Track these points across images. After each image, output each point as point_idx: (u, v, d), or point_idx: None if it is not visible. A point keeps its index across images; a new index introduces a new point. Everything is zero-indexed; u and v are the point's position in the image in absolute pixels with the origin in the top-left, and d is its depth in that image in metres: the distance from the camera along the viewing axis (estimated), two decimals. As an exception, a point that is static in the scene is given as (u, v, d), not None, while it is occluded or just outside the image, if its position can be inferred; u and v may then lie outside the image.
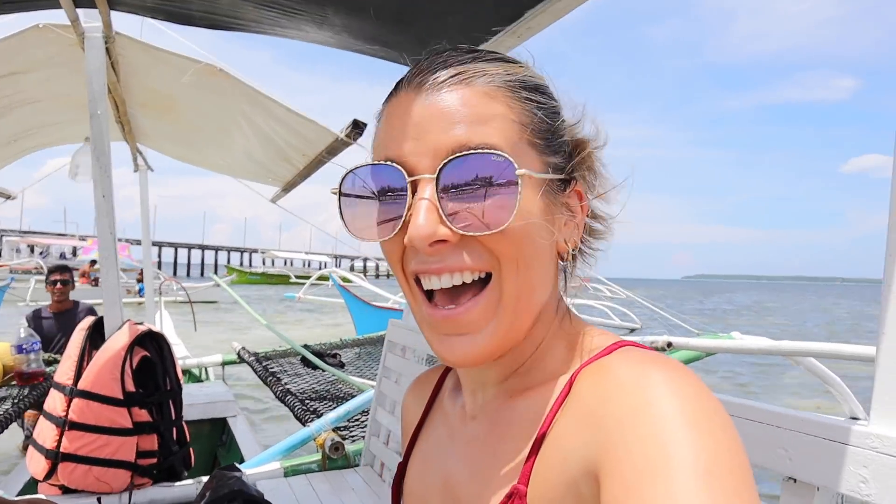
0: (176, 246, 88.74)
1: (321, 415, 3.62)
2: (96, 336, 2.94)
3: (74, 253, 41.06)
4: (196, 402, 4.41)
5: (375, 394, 3.06)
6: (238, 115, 3.87)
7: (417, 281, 0.70)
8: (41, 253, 43.29)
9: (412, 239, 0.64)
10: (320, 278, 16.78)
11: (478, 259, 0.66)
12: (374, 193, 0.69)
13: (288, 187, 5.35)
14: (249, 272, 58.58)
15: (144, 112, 4.31)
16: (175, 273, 71.51)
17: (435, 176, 0.64)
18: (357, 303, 13.49)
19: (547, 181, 0.68)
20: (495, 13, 2.41)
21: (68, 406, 2.61)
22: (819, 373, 3.86)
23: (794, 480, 1.05)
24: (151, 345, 2.85)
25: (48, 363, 4.66)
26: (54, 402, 2.66)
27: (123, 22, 3.07)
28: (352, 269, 56.09)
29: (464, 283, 0.67)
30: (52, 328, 5.82)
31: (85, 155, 5.24)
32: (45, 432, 2.63)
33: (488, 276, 0.67)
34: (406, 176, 0.65)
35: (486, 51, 0.73)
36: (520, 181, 0.63)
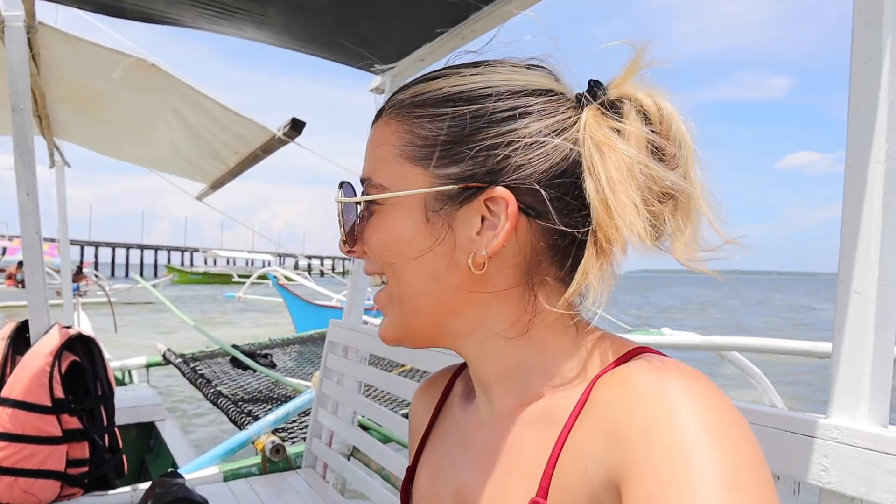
0: (114, 245, 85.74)
1: (257, 417, 3.56)
2: (19, 341, 2.81)
3: (4, 252, 38.66)
4: (121, 406, 4.24)
5: (316, 394, 3.02)
6: (168, 110, 3.74)
7: None
8: None
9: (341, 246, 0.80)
10: (260, 277, 16.55)
11: (372, 266, 0.77)
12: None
13: (216, 185, 5.22)
14: (190, 272, 57.46)
15: (66, 106, 4.12)
16: (113, 273, 68.73)
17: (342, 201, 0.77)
18: (297, 301, 13.42)
19: (429, 195, 0.69)
20: (440, 15, 2.42)
21: (-10, 415, 2.48)
22: (742, 366, 4.06)
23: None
24: (81, 349, 2.73)
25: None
26: (-24, 411, 2.52)
27: (44, 11, 2.93)
28: (296, 267, 55.15)
29: (383, 282, 0.77)
30: None
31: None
32: (-34, 443, 2.48)
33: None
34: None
35: (429, 73, 0.75)
36: (357, 206, 0.76)
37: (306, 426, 3.16)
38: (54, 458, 2.51)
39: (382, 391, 4.19)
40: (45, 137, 4.96)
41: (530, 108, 0.69)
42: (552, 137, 0.68)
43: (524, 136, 0.68)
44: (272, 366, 5.48)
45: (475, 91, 0.69)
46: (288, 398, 4.31)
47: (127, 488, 2.68)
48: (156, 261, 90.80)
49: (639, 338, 3.72)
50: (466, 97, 0.69)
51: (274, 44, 2.97)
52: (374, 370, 2.64)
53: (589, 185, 0.67)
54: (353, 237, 0.77)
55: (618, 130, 0.67)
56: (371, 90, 3.17)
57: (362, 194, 0.75)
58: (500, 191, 0.67)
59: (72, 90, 3.81)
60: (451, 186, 0.68)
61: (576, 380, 0.71)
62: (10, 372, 2.59)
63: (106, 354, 6.18)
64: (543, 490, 0.65)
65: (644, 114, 0.67)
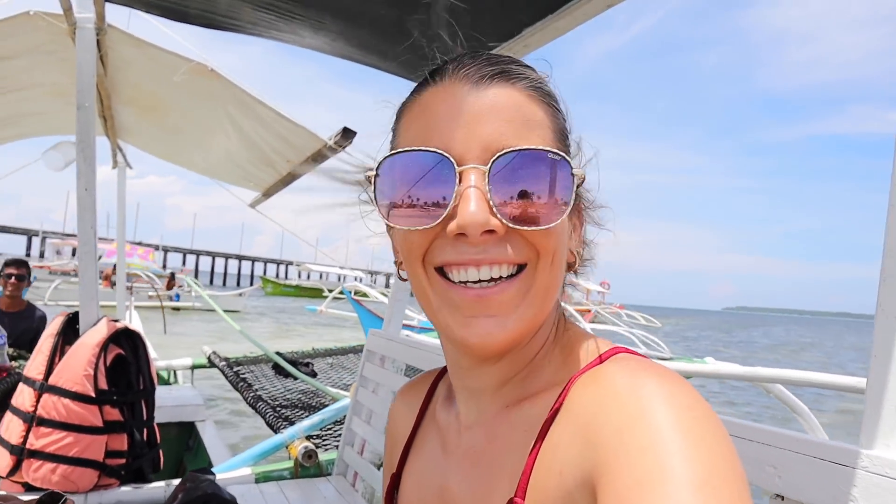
0: (213, 255, 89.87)
1: (293, 422, 3.58)
2: (69, 331, 2.88)
3: (99, 257, 40.87)
4: (164, 405, 4.33)
5: (351, 403, 3.03)
6: (223, 116, 3.84)
7: (440, 272, 0.69)
8: (74, 255, 42.18)
9: (466, 226, 0.63)
10: (341, 292, 17.20)
11: (518, 252, 0.66)
12: (413, 181, 0.67)
13: (269, 193, 5.31)
14: (284, 284, 59.64)
15: (129, 108, 4.26)
16: (211, 282, 72.21)
17: (487, 167, 0.64)
18: (370, 317, 13.65)
19: (582, 177, 0.71)
20: (494, 29, 2.42)
21: (37, 401, 2.55)
22: (787, 400, 3.92)
23: (783, 498, 1.05)
24: (127, 343, 2.79)
25: (13, 358, 4.55)
26: (23, 396, 2.59)
27: (118, 16, 3.05)
28: (387, 285, 56.57)
29: (501, 276, 0.67)
30: None
31: (70, 149, 5.15)
32: (12, 427, 2.55)
33: (519, 269, 0.67)
34: (455, 165, 0.65)
35: (517, 59, 0.73)
36: (574, 181, 0.66)
37: (340, 434, 3.16)
38: (94, 447, 2.56)
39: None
40: (109, 138, 5.14)
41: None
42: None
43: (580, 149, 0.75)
44: (313, 374, 5.52)
45: (558, 97, 0.74)
46: (325, 406, 4.33)
47: (161, 483, 2.72)
48: (252, 271, 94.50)
49: (679, 366, 3.63)
50: (559, 99, 0.73)
51: (330, 52, 3.02)
52: (410, 381, 2.63)
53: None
54: (553, 213, 0.65)
55: None
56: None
57: (566, 168, 0.66)
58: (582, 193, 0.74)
59: (136, 93, 3.94)
60: (578, 183, 0.70)
61: (556, 380, 0.72)
62: (59, 361, 2.66)
63: (153, 353, 6.33)
64: (522, 490, 0.66)
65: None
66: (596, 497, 0.55)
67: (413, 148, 0.67)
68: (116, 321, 2.81)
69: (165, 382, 6.28)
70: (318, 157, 3.75)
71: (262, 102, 3.37)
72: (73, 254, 43.00)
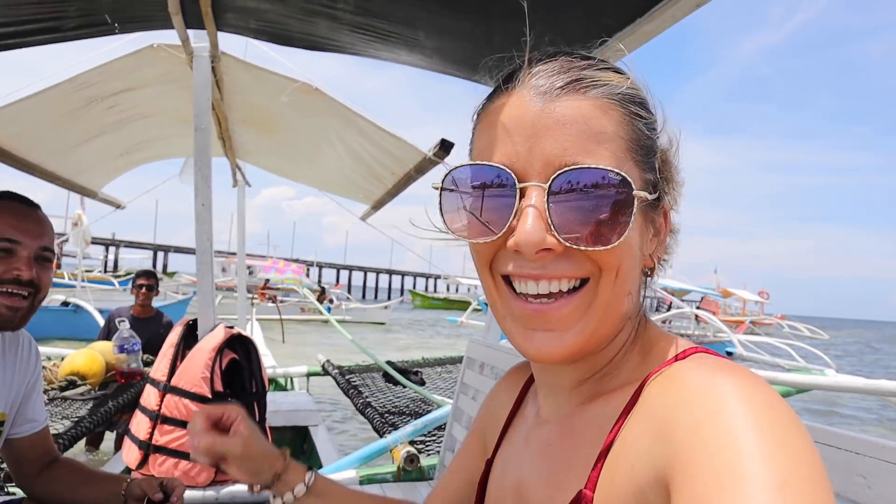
0: (365, 270, 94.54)
1: (398, 427, 3.67)
2: (189, 337, 3.10)
3: (249, 272, 44.53)
4: (280, 409, 4.55)
5: (452, 409, 3.07)
6: (331, 132, 4.02)
7: (506, 280, 0.71)
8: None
9: (520, 245, 0.64)
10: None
11: (579, 268, 0.67)
12: (477, 194, 0.69)
13: (378, 205, 5.48)
14: (432, 297, 61.56)
15: (244, 128, 4.54)
16: (364, 296, 76.29)
17: (547, 185, 0.64)
18: None
19: (646, 199, 0.68)
20: (581, 37, 2.42)
21: (161, 401, 2.76)
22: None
23: (875, 510, 1.00)
24: (240, 348, 2.97)
25: (146, 364, 4.91)
26: (149, 396, 2.82)
27: (234, 46, 3.28)
28: None
29: (560, 290, 0.67)
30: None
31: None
32: (140, 424, 2.78)
33: (582, 282, 0.68)
34: (517, 181, 0.66)
35: (597, 58, 0.72)
36: (636, 202, 0.65)
37: (442, 440, 3.22)
38: (211, 445, 2.73)
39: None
40: (229, 158, 5.48)
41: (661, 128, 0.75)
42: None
43: (673, 157, 0.75)
44: (421, 383, 5.63)
45: (647, 101, 0.72)
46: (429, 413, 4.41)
47: (272, 481, 2.86)
48: (402, 285, 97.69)
49: (798, 378, 3.44)
50: (648, 105, 0.72)
51: (428, 67, 3.10)
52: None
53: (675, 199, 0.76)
54: (608, 232, 0.65)
55: None
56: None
57: (626, 189, 0.64)
58: (665, 204, 0.74)
59: (250, 113, 4.19)
60: (656, 194, 0.71)
61: (633, 378, 0.72)
62: (180, 363, 2.87)
63: (271, 361, 6.63)
64: (592, 483, 0.66)
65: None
66: (669, 494, 0.54)
67: (476, 162, 0.69)
68: (231, 328, 2.99)
69: (282, 388, 6.58)
70: (421, 168, 3.85)
71: (362, 117, 3.51)
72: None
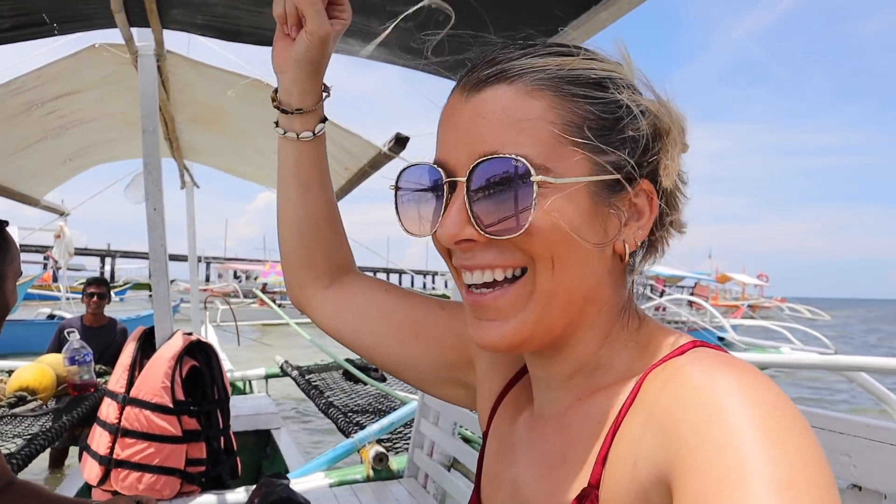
0: (362, 270, 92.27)
1: (364, 427, 3.64)
2: (147, 346, 3.01)
3: (248, 277, 44.64)
4: (241, 413, 4.46)
5: (419, 405, 3.06)
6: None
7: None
8: (236, 278, 46.09)
9: (440, 237, 0.68)
10: None
11: (509, 257, 0.68)
12: (420, 192, 0.73)
13: (330, 202, 5.42)
14: (430, 294, 60.74)
15: (192, 127, 4.43)
16: None
17: (465, 178, 0.66)
18: None
19: (593, 182, 0.67)
20: (535, 25, 2.41)
21: (121, 414, 2.68)
22: (873, 389, 3.75)
23: (860, 488, 1.02)
24: (200, 354, 2.90)
25: (99, 375, 4.77)
26: (108, 409, 2.73)
27: (177, 42, 3.17)
28: None
29: (495, 280, 0.69)
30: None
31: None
32: (100, 439, 2.69)
33: (523, 271, 0.68)
34: (444, 177, 0.69)
35: (542, 44, 0.71)
36: (535, 186, 0.64)
37: (410, 437, 3.20)
38: (175, 456, 2.67)
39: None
40: (176, 160, 5.35)
41: (650, 109, 0.71)
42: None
43: (666, 134, 0.71)
44: (382, 379, 5.59)
45: (616, 80, 0.70)
46: (395, 410, 4.38)
47: (241, 489, 2.81)
48: (400, 283, 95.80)
49: (753, 356, 3.51)
50: (611, 84, 0.69)
51: (379, 58, 3.06)
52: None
53: (669, 181, 0.71)
54: (516, 221, 0.65)
55: None
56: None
57: (525, 175, 0.64)
58: (645, 184, 0.70)
59: (198, 112, 4.09)
60: (613, 176, 0.68)
61: (630, 372, 0.70)
62: (139, 373, 2.78)
63: (228, 365, 6.51)
64: (595, 479, 0.65)
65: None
66: (671, 493, 0.53)
67: (417, 162, 0.73)
68: (190, 334, 2.92)
69: (241, 392, 6.47)
70: (375, 164, 3.81)
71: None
72: (235, 276, 47.34)
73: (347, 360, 5.90)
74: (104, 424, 2.72)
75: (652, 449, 0.58)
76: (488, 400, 0.92)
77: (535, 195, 0.64)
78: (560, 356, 0.74)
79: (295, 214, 1.00)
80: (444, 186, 0.68)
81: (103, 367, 5.05)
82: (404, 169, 0.74)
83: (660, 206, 0.71)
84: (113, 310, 6.33)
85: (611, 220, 0.69)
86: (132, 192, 5.77)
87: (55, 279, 24.14)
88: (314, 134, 0.96)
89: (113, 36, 2.88)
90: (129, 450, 2.63)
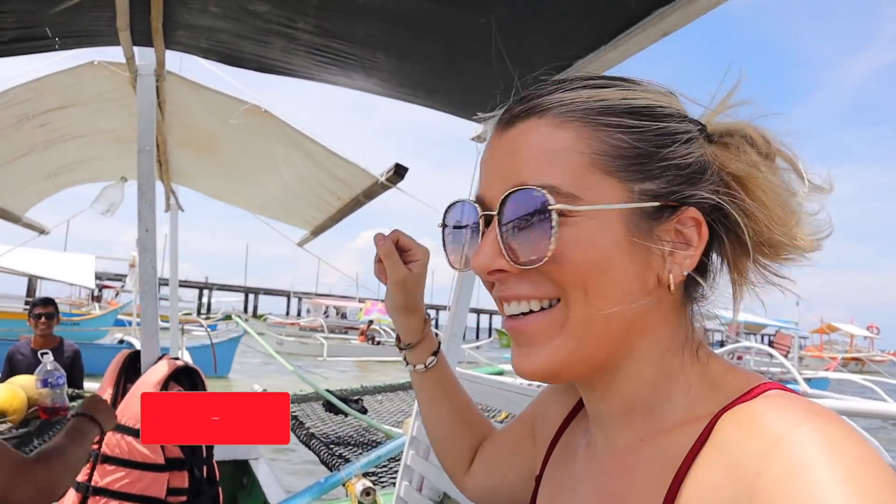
0: (437, 308, 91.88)
1: (348, 459, 3.57)
2: (130, 370, 2.93)
3: (337, 314, 48.58)
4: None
5: (409, 439, 3.00)
6: (275, 154, 3.92)
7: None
8: (325, 313, 48.66)
9: (474, 269, 0.71)
10: None
11: (541, 287, 0.68)
12: (462, 227, 0.78)
13: (317, 231, 5.37)
14: (500, 332, 60.68)
15: (184, 150, 4.38)
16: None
17: (496, 212, 0.69)
18: None
19: (629, 211, 0.66)
20: (544, 60, 2.43)
21: (101, 440, 2.59)
22: None
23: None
24: (186, 380, 2.83)
25: (72, 398, 4.65)
26: (88, 434, 2.63)
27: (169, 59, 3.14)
28: None
29: (531, 310, 0.70)
30: (32, 366, 5.10)
31: (116, 192, 5.32)
32: (78, 465, 2.59)
33: (558, 301, 0.69)
34: (479, 211, 0.72)
35: (578, 77, 0.72)
36: (554, 215, 0.64)
37: (397, 471, 3.14)
38: (157, 485, 2.58)
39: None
40: (164, 182, 5.27)
41: (695, 135, 0.71)
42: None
43: (706, 160, 0.70)
44: (363, 411, 5.51)
45: (655, 108, 0.70)
46: (377, 443, 4.31)
47: (221, 521, 2.72)
48: (490, 324, 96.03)
49: (836, 404, 3.30)
50: (649, 113, 0.70)
51: (381, 93, 3.06)
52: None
53: (739, 211, 0.69)
54: (539, 250, 0.66)
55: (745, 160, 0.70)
56: (472, 139, 3.20)
57: (544, 205, 0.65)
58: (693, 212, 0.69)
59: (191, 134, 4.04)
60: (651, 203, 0.67)
61: (696, 413, 0.67)
62: (122, 399, 2.70)
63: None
64: None
65: (751, 143, 0.71)
66: None
67: (456, 200, 0.78)
68: (177, 359, 2.85)
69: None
70: (370, 194, 3.79)
71: (311, 139, 3.43)
72: (325, 312, 49.22)
73: (328, 391, 5.81)
74: (83, 450, 2.62)
75: (726, 498, 0.56)
76: (542, 445, 0.91)
77: (554, 224, 0.65)
78: (611, 390, 0.72)
79: (430, 420, 1.16)
80: (481, 220, 0.72)
81: (76, 391, 4.93)
82: (449, 207, 0.79)
83: (748, 233, 0.69)
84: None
85: (653, 249, 0.68)
86: (99, 207, 5.63)
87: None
88: (426, 366, 1.10)
89: (112, 53, 2.86)
90: (108, 477, 2.54)
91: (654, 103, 0.70)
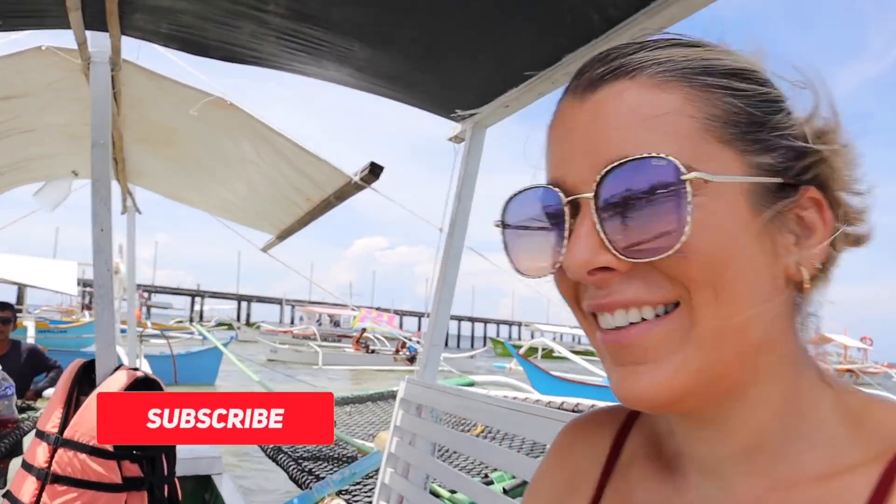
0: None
1: (319, 477, 3.38)
2: (84, 381, 2.70)
3: (330, 322, 49.42)
4: (179, 457, 4.11)
5: (385, 455, 2.83)
6: (241, 153, 3.72)
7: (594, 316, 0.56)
8: (317, 321, 49.17)
9: (568, 269, 0.54)
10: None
11: (657, 289, 0.52)
12: (535, 221, 0.59)
13: (284, 235, 5.17)
14: (514, 344, 60.27)
15: (141, 147, 4.14)
16: (446, 344, 75.05)
17: (593, 194, 0.52)
18: (536, 372, 15.41)
19: (752, 186, 0.52)
20: (530, 56, 2.29)
21: (52, 457, 2.37)
22: None
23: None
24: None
25: (21, 409, 4.39)
26: (36, 452, 2.41)
27: (126, 47, 2.92)
28: None
29: (643, 318, 0.52)
30: None
31: (62, 186, 5.08)
32: (24, 486, 2.37)
33: (677, 306, 0.52)
34: (563, 197, 0.55)
35: (661, 37, 0.58)
36: (689, 186, 0.49)
37: (372, 489, 2.96)
38: (112, 507, 2.37)
39: (457, 455, 3.93)
40: (120, 182, 5.01)
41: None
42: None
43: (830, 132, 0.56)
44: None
45: (756, 71, 0.56)
46: (348, 458, 4.13)
47: (183, 545, 2.52)
48: (485, 333, 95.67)
49: None
50: (752, 76, 0.55)
51: (354, 85, 2.90)
52: (453, 431, 2.44)
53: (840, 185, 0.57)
54: (666, 236, 0.50)
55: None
56: (449, 139, 3.06)
57: (676, 175, 0.50)
58: (813, 191, 0.54)
59: (150, 129, 3.82)
60: (774, 179, 0.53)
61: (855, 457, 0.52)
62: (74, 412, 2.49)
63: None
64: None
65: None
66: None
67: (528, 186, 0.59)
68: (136, 370, 2.63)
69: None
70: (342, 195, 3.60)
71: (281, 135, 3.24)
72: (318, 320, 49.74)
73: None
74: (30, 469, 2.39)
75: None
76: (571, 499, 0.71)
77: (689, 198, 0.48)
78: (731, 423, 0.55)
79: None
80: (566, 209, 0.54)
81: (26, 403, 4.67)
82: (511, 198, 0.61)
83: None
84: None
85: (779, 236, 0.53)
86: (42, 197, 5.38)
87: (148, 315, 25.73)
88: None
89: (63, 38, 2.64)
90: (59, 498, 2.32)
91: (754, 67, 0.57)
